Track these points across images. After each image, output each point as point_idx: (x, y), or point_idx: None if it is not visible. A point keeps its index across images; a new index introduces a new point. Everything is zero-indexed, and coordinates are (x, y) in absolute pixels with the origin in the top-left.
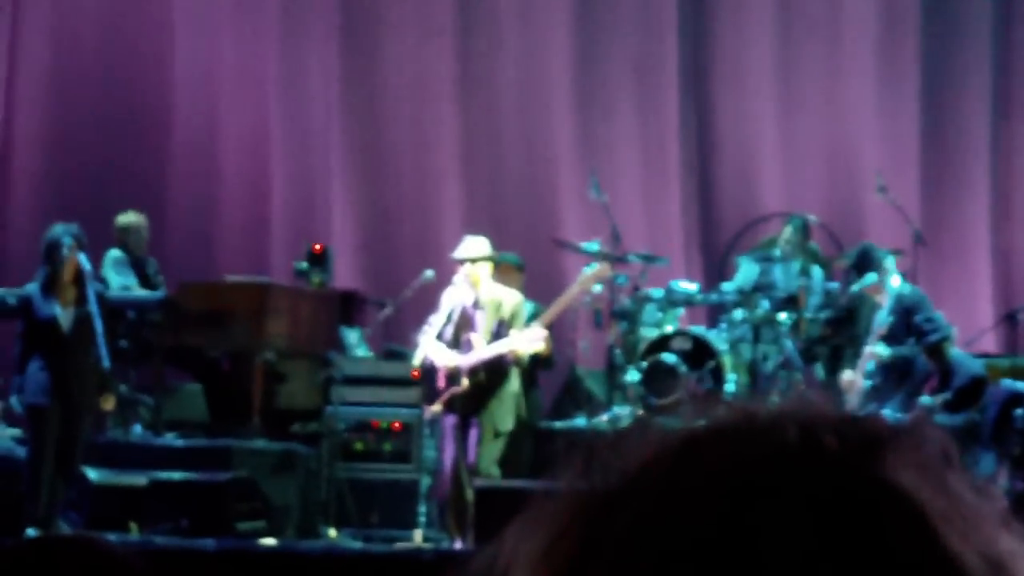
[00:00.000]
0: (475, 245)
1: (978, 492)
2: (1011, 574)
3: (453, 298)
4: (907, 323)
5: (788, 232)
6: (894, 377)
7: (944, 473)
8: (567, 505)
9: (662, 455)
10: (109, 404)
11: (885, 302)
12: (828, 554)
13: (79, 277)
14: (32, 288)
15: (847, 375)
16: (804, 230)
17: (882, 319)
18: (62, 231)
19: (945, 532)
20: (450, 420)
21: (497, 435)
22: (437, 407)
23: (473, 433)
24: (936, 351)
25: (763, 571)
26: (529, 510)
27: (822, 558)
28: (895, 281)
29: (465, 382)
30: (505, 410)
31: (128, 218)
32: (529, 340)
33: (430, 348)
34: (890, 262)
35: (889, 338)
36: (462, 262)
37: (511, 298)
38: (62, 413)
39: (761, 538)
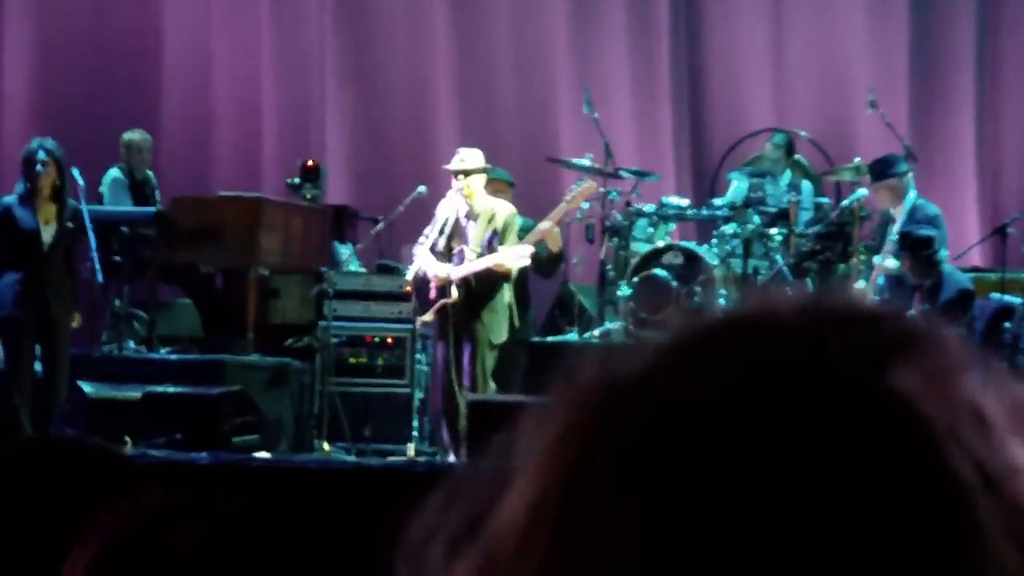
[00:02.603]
0: (469, 157)
1: (998, 397)
2: (1008, 488)
3: (447, 209)
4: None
5: (770, 147)
6: (906, 291)
7: (956, 379)
8: (576, 400)
9: (672, 351)
10: (76, 321)
11: (899, 217)
12: (819, 463)
13: (60, 191)
14: (10, 200)
15: (855, 287)
16: (788, 144)
17: (895, 234)
18: (36, 145)
19: (944, 445)
20: (442, 331)
21: (491, 347)
22: (428, 317)
23: (467, 349)
24: (921, 266)
25: (757, 474)
26: (540, 407)
27: (813, 466)
28: (911, 195)
29: (455, 293)
30: (498, 321)
31: (131, 136)
32: (517, 255)
33: (423, 259)
34: (910, 177)
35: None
36: (456, 174)
37: (504, 210)
38: (39, 328)
39: (758, 447)
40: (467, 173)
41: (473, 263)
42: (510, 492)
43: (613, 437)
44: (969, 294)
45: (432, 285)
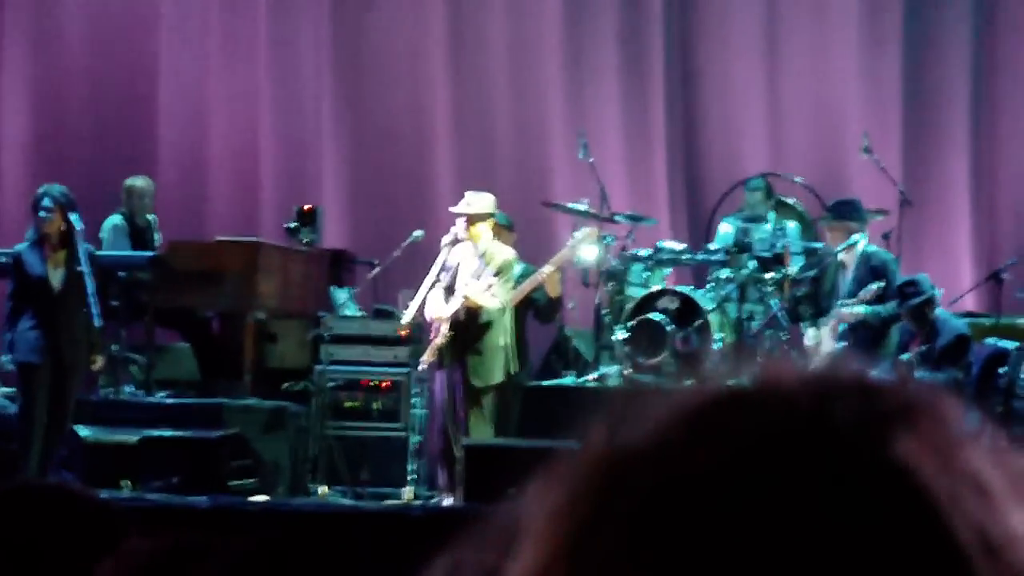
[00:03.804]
0: (476, 201)
1: (998, 465)
2: (1008, 558)
3: (457, 251)
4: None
5: (747, 193)
6: (866, 338)
7: (957, 449)
8: (584, 466)
9: (676, 427)
10: (98, 364)
11: (851, 263)
12: (825, 535)
13: (68, 237)
14: (21, 247)
15: (811, 336)
16: (766, 187)
17: (851, 282)
18: (42, 191)
19: (946, 514)
20: (439, 374)
21: (479, 389)
22: (427, 357)
23: (459, 390)
24: (918, 314)
25: (765, 548)
26: (547, 470)
27: (819, 538)
28: (861, 244)
29: (445, 332)
30: (487, 364)
31: (133, 182)
32: (482, 289)
33: (429, 298)
34: (867, 227)
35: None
36: (466, 220)
37: (502, 253)
38: (52, 372)
39: (764, 515)
40: (472, 219)
41: (451, 303)
42: (517, 556)
43: (620, 506)
44: (966, 339)
45: (432, 326)
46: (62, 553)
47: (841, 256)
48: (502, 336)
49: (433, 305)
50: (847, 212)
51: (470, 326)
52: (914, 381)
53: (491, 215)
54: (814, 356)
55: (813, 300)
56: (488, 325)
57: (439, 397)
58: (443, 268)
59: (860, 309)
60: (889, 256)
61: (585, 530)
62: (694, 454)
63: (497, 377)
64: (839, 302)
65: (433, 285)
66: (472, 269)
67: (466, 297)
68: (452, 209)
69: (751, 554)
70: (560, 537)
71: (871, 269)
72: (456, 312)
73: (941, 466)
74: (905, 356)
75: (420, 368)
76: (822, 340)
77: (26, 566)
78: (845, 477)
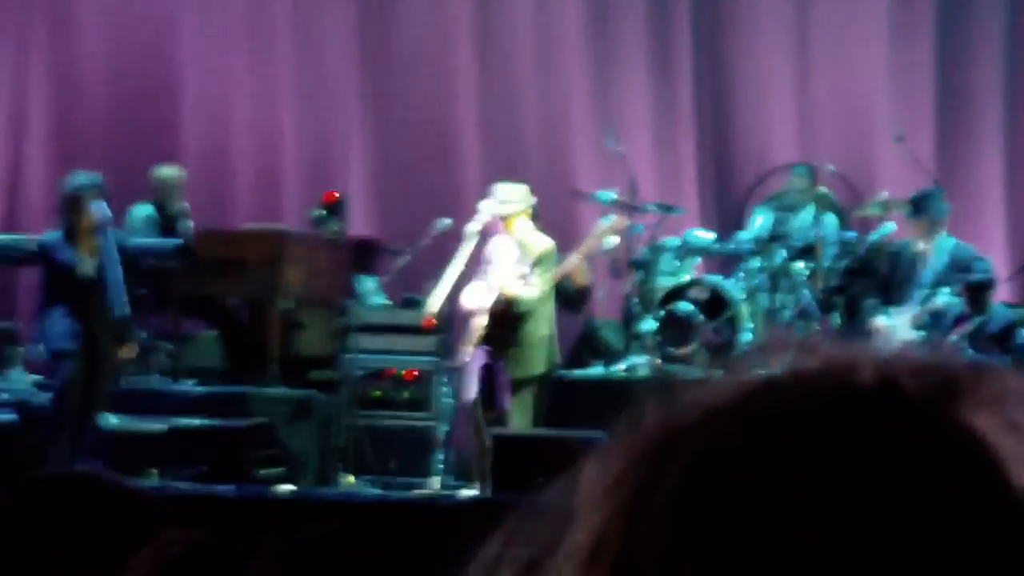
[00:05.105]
0: (509, 196)
1: None
2: None
3: (496, 244)
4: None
5: (795, 179)
6: (941, 328)
7: (1021, 415)
8: (639, 440)
9: (735, 395)
10: (131, 352)
11: (931, 254)
12: (898, 499)
13: (98, 225)
14: (52, 236)
15: (880, 322)
16: (810, 176)
17: (931, 273)
18: (85, 179)
19: (1017, 476)
20: (476, 363)
21: (519, 380)
22: (466, 347)
23: (502, 379)
24: (980, 291)
25: (831, 516)
26: (603, 445)
27: (892, 503)
28: (943, 233)
29: (483, 321)
30: (528, 354)
31: (161, 171)
32: (515, 278)
33: (466, 291)
34: (946, 218)
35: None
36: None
37: (541, 244)
38: (86, 359)
39: (830, 481)
40: (507, 217)
41: (489, 294)
42: (571, 529)
43: (671, 474)
44: (1013, 326)
45: (472, 317)
46: (96, 543)
47: (921, 247)
48: (544, 326)
49: (472, 296)
50: (930, 205)
51: (509, 317)
52: (970, 357)
53: (523, 209)
54: (887, 343)
55: (886, 288)
56: (528, 315)
57: (474, 387)
58: (482, 260)
59: (944, 299)
60: (974, 251)
61: (640, 494)
62: (749, 421)
63: (539, 368)
64: (919, 292)
65: (470, 276)
66: (511, 261)
67: (503, 287)
68: (486, 207)
69: (809, 518)
70: (615, 503)
71: (954, 261)
72: (495, 303)
73: (1009, 430)
74: (953, 339)
75: (461, 361)
76: (897, 328)
77: (61, 556)
78: (916, 442)
